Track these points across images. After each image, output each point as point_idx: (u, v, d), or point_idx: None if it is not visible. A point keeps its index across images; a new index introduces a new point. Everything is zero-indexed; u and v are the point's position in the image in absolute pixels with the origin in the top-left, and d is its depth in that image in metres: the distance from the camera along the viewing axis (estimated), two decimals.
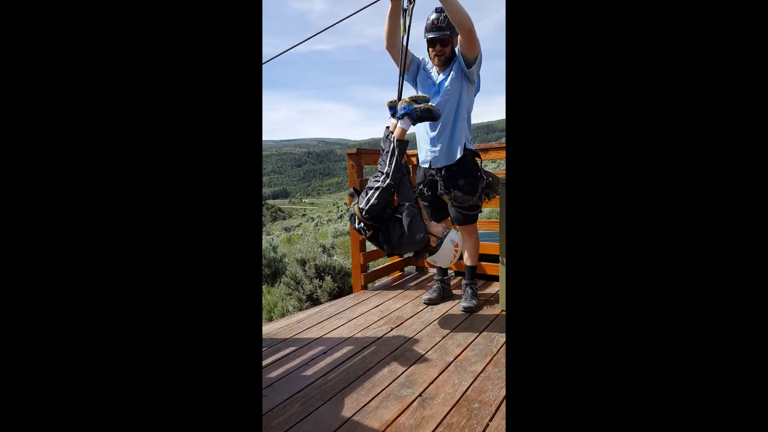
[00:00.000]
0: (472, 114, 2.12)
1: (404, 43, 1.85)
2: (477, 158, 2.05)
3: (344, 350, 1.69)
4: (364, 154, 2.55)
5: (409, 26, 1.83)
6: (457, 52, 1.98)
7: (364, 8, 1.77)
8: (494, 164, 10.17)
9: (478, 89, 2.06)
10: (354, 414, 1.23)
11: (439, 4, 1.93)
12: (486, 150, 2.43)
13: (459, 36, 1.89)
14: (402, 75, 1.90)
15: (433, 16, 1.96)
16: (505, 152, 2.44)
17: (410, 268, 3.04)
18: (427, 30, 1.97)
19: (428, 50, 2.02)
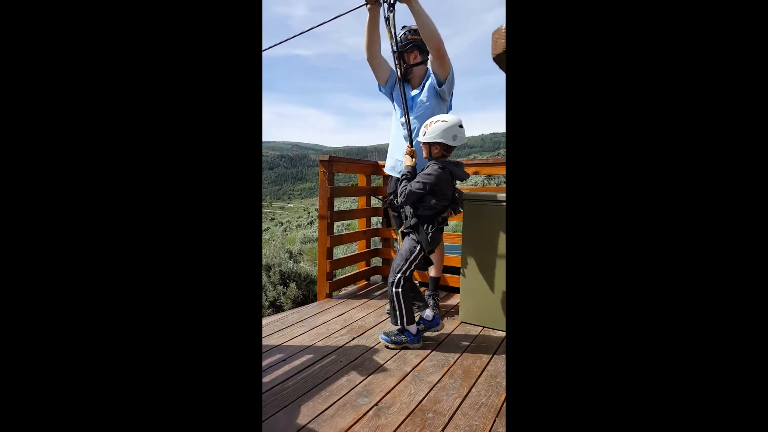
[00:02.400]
0: None
1: (394, 50, 1.92)
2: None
3: (304, 358, 1.68)
4: (336, 162, 2.57)
5: (395, 33, 1.89)
6: (429, 70, 2.05)
7: (339, 16, 1.81)
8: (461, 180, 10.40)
9: (450, 107, 2.13)
10: (309, 422, 1.23)
11: (408, 23, 2.03)
12: None
13: (430, 54, 1.97)
14: (403, 85, 1.95)
15: (401, 33, 2.05)
16: (470, 169, 2.52)
17: (376, 278, 3.06)
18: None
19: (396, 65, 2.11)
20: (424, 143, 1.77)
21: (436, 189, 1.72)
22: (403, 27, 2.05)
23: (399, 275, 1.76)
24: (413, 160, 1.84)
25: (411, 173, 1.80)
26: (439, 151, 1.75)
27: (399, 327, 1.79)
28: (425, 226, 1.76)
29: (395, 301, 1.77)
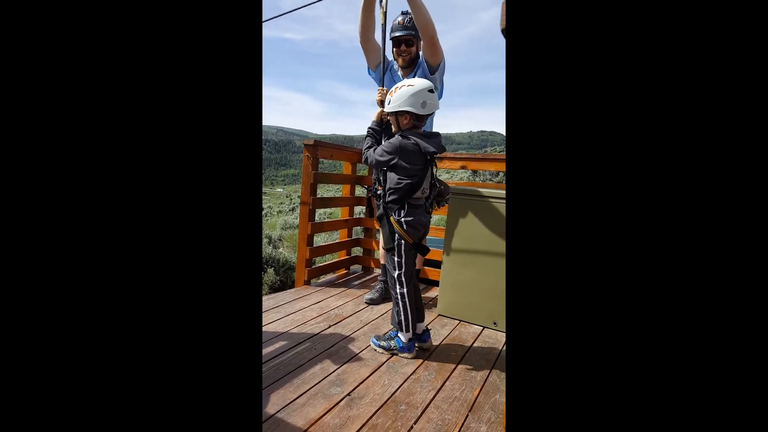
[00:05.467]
0: (434, 123, 2.16)
1: (383, 34, 1.90)
2: (433, 166, 2.10)
3: (277, 345, 1.64)
4: (321, 147, 2.50)
5: (386, 15, 1.86)
6: (421, 57, 2.04)
7: None
8: (447, 174, 10.49)
9: (440, 96, 2.11)
10: (278, 411, 1.19)
11: (406, 7, 2.00)
12: (440, 158, 2.49)
13: (422, 41, 1.96)
14: (383, 67, 1.91)
15: (399, 17, 2.07)
16: (458, 163, 2.51)
17: (356, 267, 3.02)
18: (393, 30, 2.06)
19: (393, 50, 2.09)
20: (390, 115, 1.49)
21: (395, 163, 1.47)
22: (405, 14, 2.04)
23: (396, 273, 1.58)
24: (382, 110, 1.64)
25: (375, 129, 1.64)
26: (409, 121, 1.48)
27: (391, 331, 1.67)
28: (395, 212, 1.54)
29: (398, 304, 1.59)
